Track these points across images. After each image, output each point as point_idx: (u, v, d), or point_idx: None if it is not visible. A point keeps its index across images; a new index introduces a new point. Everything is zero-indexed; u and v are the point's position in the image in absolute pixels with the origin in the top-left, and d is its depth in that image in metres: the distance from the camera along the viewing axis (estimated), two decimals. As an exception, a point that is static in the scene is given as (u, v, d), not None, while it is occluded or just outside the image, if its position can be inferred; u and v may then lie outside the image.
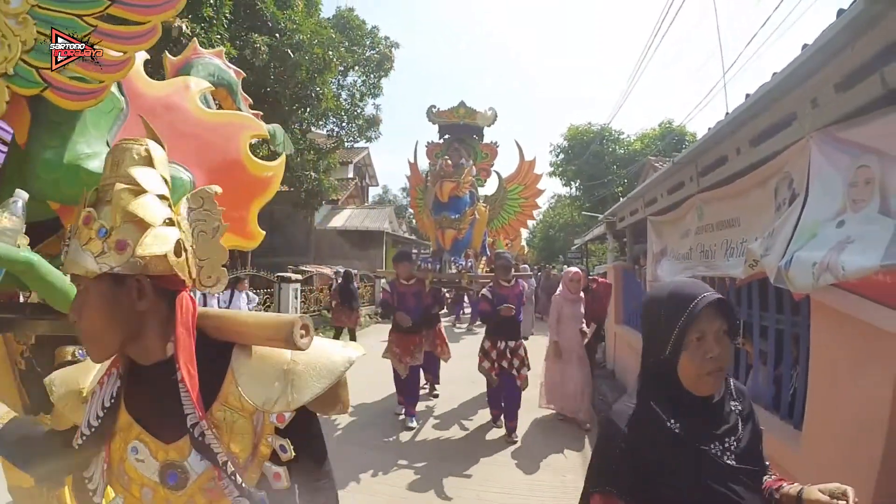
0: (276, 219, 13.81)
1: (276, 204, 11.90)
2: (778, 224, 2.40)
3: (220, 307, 7.16)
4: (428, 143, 6.52)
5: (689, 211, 4.07)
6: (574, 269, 5.64)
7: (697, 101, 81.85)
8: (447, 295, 7.23)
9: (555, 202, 31.26)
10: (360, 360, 0.98)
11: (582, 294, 5.32)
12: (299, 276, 10.30)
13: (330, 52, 7.59)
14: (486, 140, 6.41)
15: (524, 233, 6.75)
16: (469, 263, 5.48)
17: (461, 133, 6.11)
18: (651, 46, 19.55)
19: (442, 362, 5.79)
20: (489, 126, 6.14)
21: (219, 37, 5.93)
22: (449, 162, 5.44)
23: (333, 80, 9.56)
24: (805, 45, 2.33)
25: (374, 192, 30.30)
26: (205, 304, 6.93)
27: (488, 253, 6.46)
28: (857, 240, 1.89)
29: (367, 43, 11.58)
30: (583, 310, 5.28)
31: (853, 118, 2.18)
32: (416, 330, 5.06)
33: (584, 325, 5.21)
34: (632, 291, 6.73)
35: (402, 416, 5.10)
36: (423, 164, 6.63)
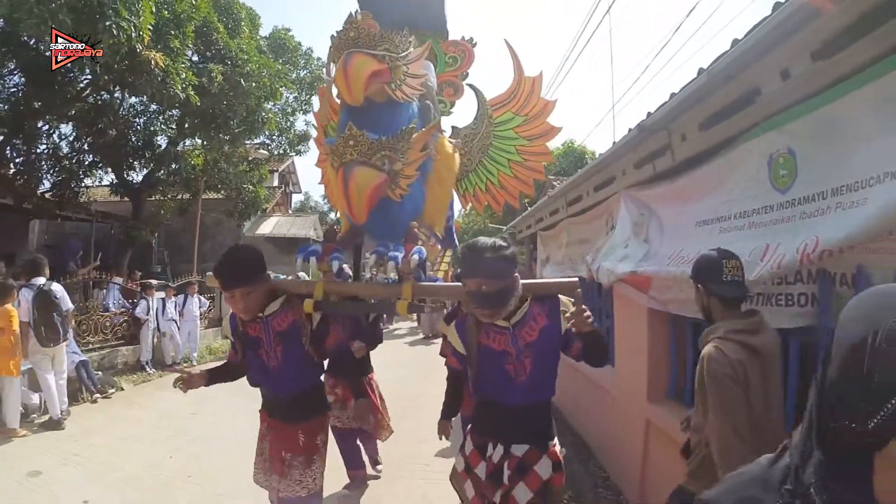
0: (207, 226, 14.15)
1: (210, 212, 12.48)
2: (600, 245, 4.03)
3: (175, 310, 7.90)
4: None
5: (562, 230, 5.61)
6: None
7: (595, 123, 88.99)
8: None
9: (469, 209, 33.45)
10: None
11: None
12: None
13: (276, 84, 8.60)
14: (454, 36, 3.56)
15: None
16: (418, 256, 2.32)
17: (405, 15, 3.09)
18: (557, 77, 22.10)
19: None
20: None
21: (184, 65, 6.74)
22: (371, 21, 2.48)
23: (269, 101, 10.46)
24: (615, 142, 3.97)
25: (296, 199, 30.47)
26: (164, 308, 7.65)
27: (456, 243, 3.35)
28: (630, 256, 3.50)
29: (302, 63, 12.53)
30: None
31: (640, 185, 3.83)
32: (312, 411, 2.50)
33: None
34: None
35: None
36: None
